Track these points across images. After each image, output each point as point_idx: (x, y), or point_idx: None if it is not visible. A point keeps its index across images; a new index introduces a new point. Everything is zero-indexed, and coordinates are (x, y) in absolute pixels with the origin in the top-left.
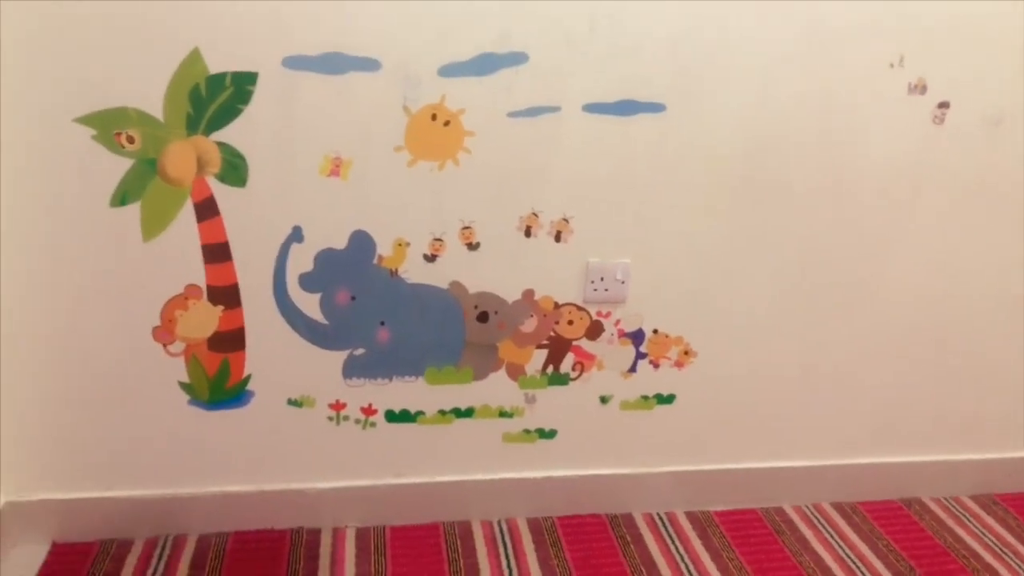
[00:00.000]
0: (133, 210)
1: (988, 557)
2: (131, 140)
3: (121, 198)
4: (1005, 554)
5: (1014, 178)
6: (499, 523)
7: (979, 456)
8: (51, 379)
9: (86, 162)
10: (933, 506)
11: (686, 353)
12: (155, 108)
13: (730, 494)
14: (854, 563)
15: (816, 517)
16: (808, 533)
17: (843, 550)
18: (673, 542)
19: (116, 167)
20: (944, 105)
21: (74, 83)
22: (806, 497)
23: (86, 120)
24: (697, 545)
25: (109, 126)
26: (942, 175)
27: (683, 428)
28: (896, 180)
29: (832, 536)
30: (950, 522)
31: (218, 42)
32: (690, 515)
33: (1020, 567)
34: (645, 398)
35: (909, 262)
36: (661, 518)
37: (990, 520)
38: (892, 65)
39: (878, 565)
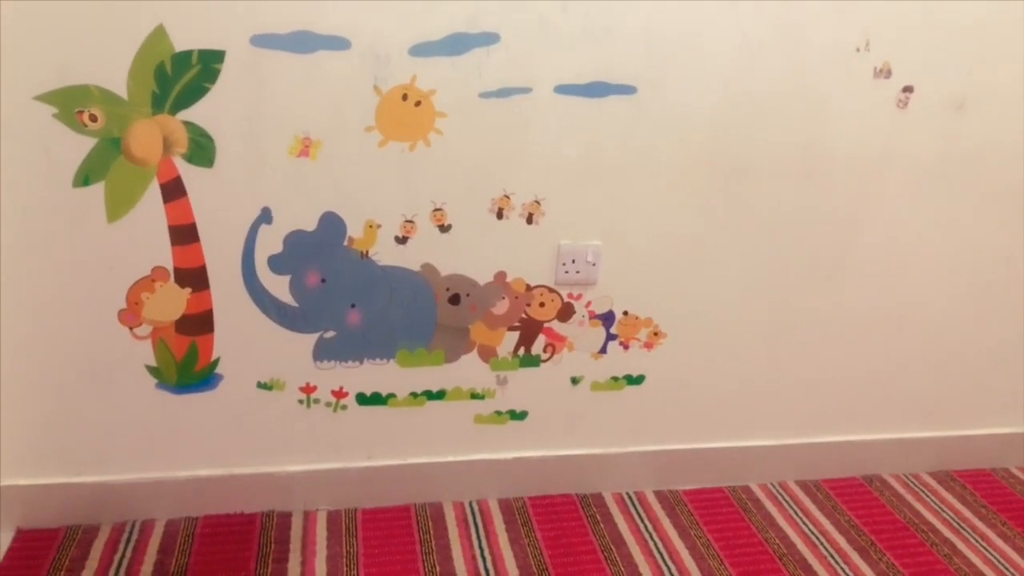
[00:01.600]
0: (97, 190)
1: (946, 531)
2: (94, 118)
3: (84, 178)
4: (962, 528)
5: (976, 162)
6: (471, 504)
7: (937, 434)
8: (14, 364)
9: (47, 141)
10: (893, 482)
11: (655, 334)
12: (119, 86)
13: (698, 473)
14: (817, 538)
15: (781, 494)
16: (773, 510)
17: (807, 526)
18: (642, 520)
19: (79, 146)
20: (908, 89)
21: (34, 59)
22: (771, 475)
23: (47, 98)
24: (666, 523)
25: (71, 104)
26: (906, 159)
27: (652, 408)
28: (861, 163)
29: (796, 513)
30: (909, 498)
31: (184, 19)
32: (659, 494)
33: (977, 540)
34: (615, 379)
35: (872, 245)
36: (630, 497)
37: (948, 495)
38: (858, 49)
39: (840, 540)
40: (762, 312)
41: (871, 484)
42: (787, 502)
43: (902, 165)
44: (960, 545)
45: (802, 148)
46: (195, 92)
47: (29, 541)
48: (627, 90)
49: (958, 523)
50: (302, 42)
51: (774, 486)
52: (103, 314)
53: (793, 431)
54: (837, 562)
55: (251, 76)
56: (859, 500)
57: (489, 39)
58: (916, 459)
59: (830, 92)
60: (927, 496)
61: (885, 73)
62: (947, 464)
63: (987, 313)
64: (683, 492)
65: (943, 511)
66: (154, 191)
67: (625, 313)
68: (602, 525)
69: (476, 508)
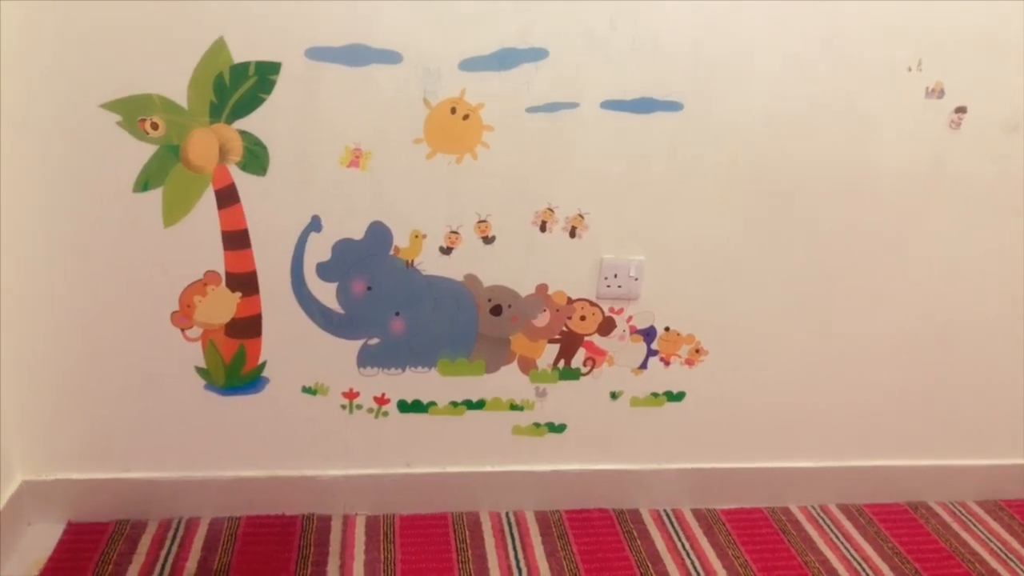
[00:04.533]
0: (155, 196)
1: (993, 562)
2: (155, 127)
3: (144, 184)
4: (1010, 559)
5: None
6: (507, 515)
7: (986, 462)
8: (70, 361)
9: (111, 147)
10: (939, 510)
11: (697, 351)
12: (179, 95)
13: (737, 493)
14: (859, 564)
15: (822, 518)
16: (814, 533)
17: (848, 551)
18: (679, 539)
19: (140, 153)
20: (961, 110)
21: (101, 69)
22: (813, 498)
23: (112, 106)
24: (703, 542)
25: (134, 112)
26: (957, 180)
27: (692, 426)
28: (911, 183)
29: (838, 537)
30: (955, 526)
31: (243, 32)
32: (697, 512)
33: None
34: (655, 395)
35: (920, 266)
36: (668, 515)
37: (995, 525)
38: (910, 69)
39: (883, 567)
40: (806, 331)
41: (916, 511)
42: (828, 526)
43: (953, 186)
44: None
45: (849, 167)
46: (251, 102)
47: (79, 534)
48: (674, 107)
49: (1005, 554)
50: (355, 55)
51: (815, 509)
52: (156, 316)
53: (836, 454)
54: None
55: (305, 88)
56: (903, 527)
57: (538, 55)
58: (963, 487)
59: (879, 111)
60: (974, 525)
61: (938, 93)
62: (995, 493)
63: None
64: (721, 511)
65: (990, 541)
66: (209, 197)
67: (667, 329)
68: (639, 541)
69: (512, 519)
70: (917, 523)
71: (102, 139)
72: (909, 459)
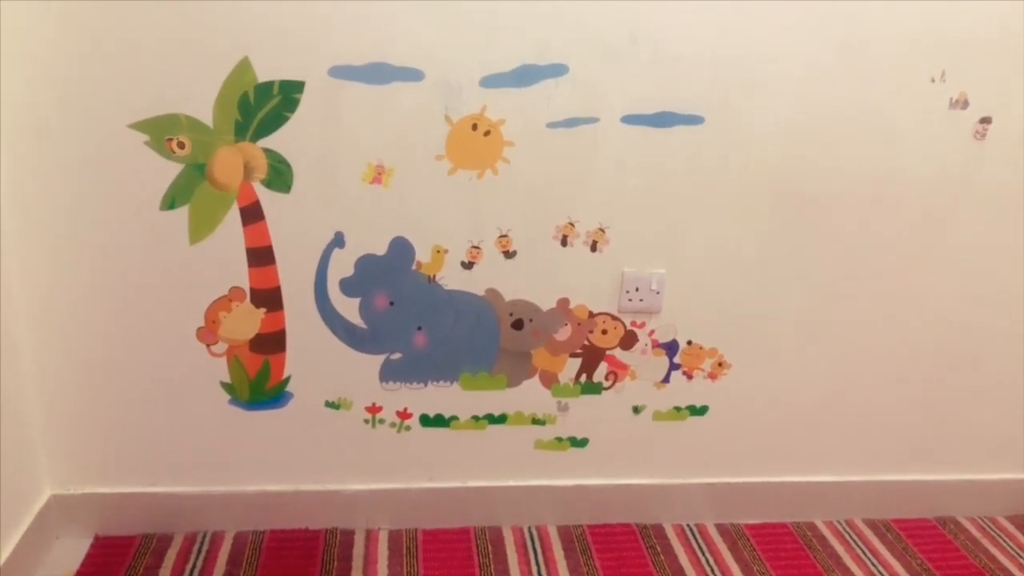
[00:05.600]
0: (181, 214)
1: None
2: (181, 146)
3: (170, 202)
4: None
5: None
6: (529, 529)
7: (1016, 476)
8: (97, 376)
9: (138, 166)
10: (968, 525)
11: (720, 365)
12: (205, 115)
13: (761, 507)
14: None
15: (848, 533)
16: (840, 549)
17: (876, 567)
18: (703, 554)
19: (166, 172)
20: (986, 120)
21: (128, 90)
22: (838, 513)
23: (139, 126)
24: (727, 557)
25: (161, 132)
26: (982, 191)
27: (715, 440)
28: (934, 195)
29: (864, 553)
30: (985, 542)
31: (267, 51)
32: (721, 527)
33: None
34: (678, 409)
35: (945, 278)
36: (691, 530)
37: None
38: (933, 80)
39: None
40: (830, 344)
41: (945, 526)
42: (855, 541)
43: (978, 197)
44: None
45: (872, 178)
46: (275, 121)
47: (106, 548)
48: (694, 120)
49: None
50: (378, 73)
51: (841, 524)
52: (182, 332)
53: (862, 468)
54: None
55: (328, 106)
56: (932, 542)
57: (558, 70)
58: (993, 502)
59: (902, 122)
60: (1004, 541)
61: (961, 104)
62: None
63: None
64: (745, 526)
65: (1020, 556)
66: (234, 215)
67: (689, 342)
68: (662, 557)
69: (535, 534)
70: (945, 539)
71: (130, 158)
72: (937, 473)
